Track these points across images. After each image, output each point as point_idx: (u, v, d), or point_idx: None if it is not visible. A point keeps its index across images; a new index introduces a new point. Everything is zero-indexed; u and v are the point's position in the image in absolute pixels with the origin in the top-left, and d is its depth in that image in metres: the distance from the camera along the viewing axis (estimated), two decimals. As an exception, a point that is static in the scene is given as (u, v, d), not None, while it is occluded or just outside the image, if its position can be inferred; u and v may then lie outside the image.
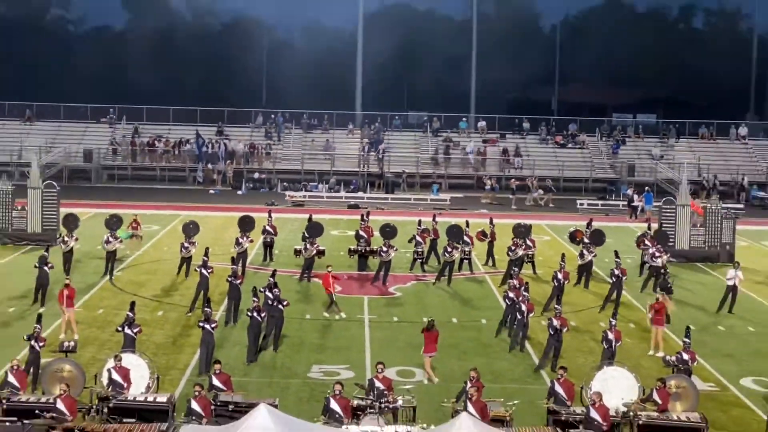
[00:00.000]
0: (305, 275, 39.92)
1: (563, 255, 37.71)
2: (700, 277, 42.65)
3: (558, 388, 23.49)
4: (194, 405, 22.06)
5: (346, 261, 42.65)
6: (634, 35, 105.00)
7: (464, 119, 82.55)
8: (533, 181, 69.35)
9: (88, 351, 28.93)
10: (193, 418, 21.82)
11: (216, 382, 23.60)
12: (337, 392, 22.39)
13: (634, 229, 53.24)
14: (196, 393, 22.37)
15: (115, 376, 23.42)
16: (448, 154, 75.48)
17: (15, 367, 23.71)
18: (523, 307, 30.81)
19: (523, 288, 32.06)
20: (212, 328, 27.70)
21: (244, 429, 17.62)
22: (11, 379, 23.34)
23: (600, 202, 65.98)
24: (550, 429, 22.18)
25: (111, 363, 23.86)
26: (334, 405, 22.11)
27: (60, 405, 21.69)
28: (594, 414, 21.78)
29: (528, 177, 70.78)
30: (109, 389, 23.14)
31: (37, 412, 21.71)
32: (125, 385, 23.38)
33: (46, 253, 35.52)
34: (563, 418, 22.69)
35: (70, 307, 30.76)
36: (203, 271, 34.40)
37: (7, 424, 20.83)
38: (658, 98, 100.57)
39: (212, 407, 22.40)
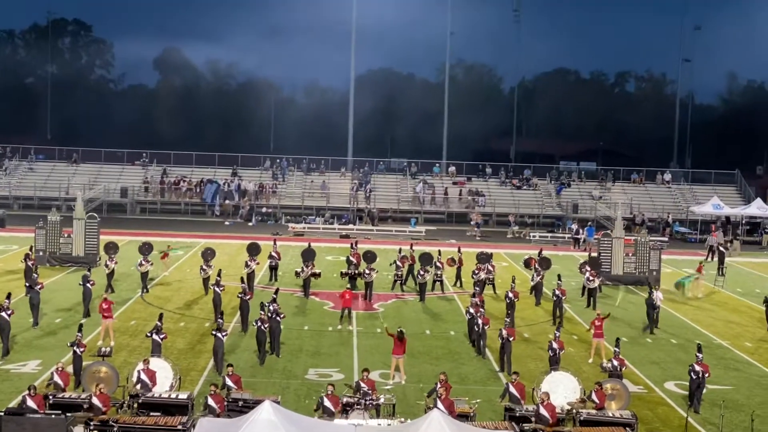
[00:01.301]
0: (306, 293, 40.03)
1: (513, 277, 37.92)
2: (630, 298, 42.64)
3: (512, 389, 23.53)
4: (210, 401, 21.98)
5: (339, 281, 42.61)
6: (578, 97, 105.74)
7: (437, 165, 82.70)
8: (514, 217, 69.32)
9: (121, 355, 28.79)
10: (209, 412, 21.73)
11: (229, 382, 23.56)
12: (330, 392, 22.43)
13: (577, 257, 53.29)
14: (212, 391, 22.31)
15: (143, 377, 23.38)
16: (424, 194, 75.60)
17: (59, 369, 23.63)
18: (480, 321, 30.92)
19: (480, 305, 32.28)
20: (223, 337, 27.68)
21: (252, 422, 17.49)
22: (56, 378, 23.26)
23: (549, 234, 66.05)
24: (507, 423, 22.12)
25: (141, 365, 23.79)
26: (327, 402, 22.11)
27: (95, 400, 21.60)
28: (543, 411, 21.78)
29: (510, 214, 70.78)
30: (138, 387, 23.11)
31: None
32: (151, 384, 23.32)
33: (88, 273, 35.47)
34: (517, 414, 22.67)
35: (108, 318, 30.66)
36: (216, 289, 34.45)
37: (53, 416, 20.69)
38: (598, 149, 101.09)
39: (225, 403, 22.31)
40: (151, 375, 23.48)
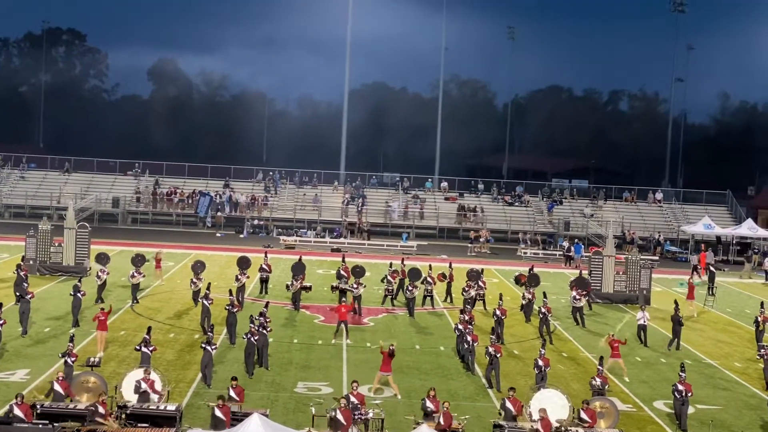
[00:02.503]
0: (296, 306, 40.02)
1: (500, 294, 38.00)
2: (620, 316, 42.76)
3: (508, 405, 23.61)
4: (218, 413, 21.96)
5: (329, 295, 42.64)
6: (571, 114, 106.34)
7: (429, 180, 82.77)
8: (524, 236, 69.28)
9: (110, 366, 28.75)
10: (214, 424, 21.75)
11: (232, 393, 23.50)
12: (342, 405, 22.23)
13: (568, 274, 53.33)
14: (220, 404, 22.26)
15: (143, 386, 23.52)
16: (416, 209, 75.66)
17: (60, 378, 23.58)
18: (469, 338, 30.96)
19: (469, 322, 32.31)
20: (212, 350, 27.66)
21: (240, 435, 17.53)
22: (57, 387, 23.21)
23: (541, 251, 66.09)
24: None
25: (140, 374, 23.89)
26: (339, 416, 21.81)
27: (100, 409, 21.58)
28: (539, 427, 21.77)
29: (522, 231, 70.79)
30: (127, 395, 23.16)
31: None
32: (150, 392, 23.40)
33: (78, 283, 35.38)
34: (506, 431, 22.68)
35: (102, 329, 30.68)
36: (205, 302, 34.41)
37: (41, 426, 20.66)
38: (590, 166, 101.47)
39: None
40: (151, 384, 23.58)
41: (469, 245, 65.96)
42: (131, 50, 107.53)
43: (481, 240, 67.04)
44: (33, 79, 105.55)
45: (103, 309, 31.42)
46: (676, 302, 37.56)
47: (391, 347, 28.04)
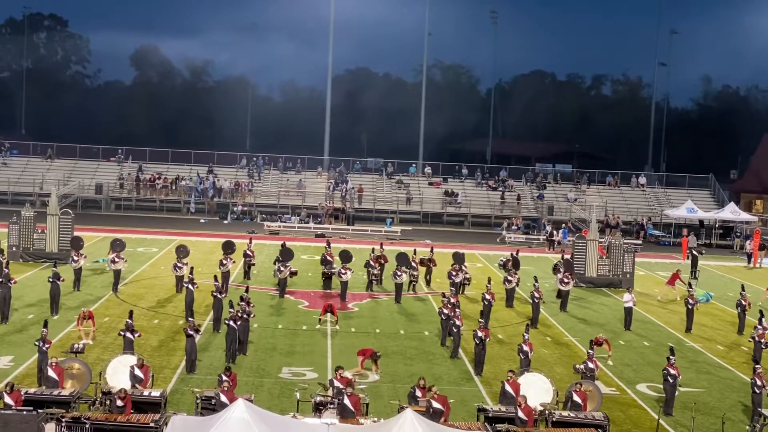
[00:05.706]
0: (281, 292, 39.86)
1: (489, 278, 38.00)
2: (603, 300, 42.89)
3: (507, 387, 23.66)
4: (223, 398, 21.95)
5: (314, 280, 42.61)
6: (554, 99, 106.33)
7: (413, 165, 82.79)
8: (550, 223, 69.49)
9: (94, 352, 28.65)
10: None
11: (226, 379, 23.36)
12: (349, 392, 22.11)
13: (551, 258, 53.44)
14: (225, 387, 22.23)
15: (138, 373, 23.55)
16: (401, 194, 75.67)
17: (54, 363, 23.39)
18: (458, 322, 30.93)
19: (455, 305, 32.27)
20: (197, 335, 27.56)
21: (225, 420, 17.46)
22: (51, 373, 23.08)
23: (525, 236, 66.16)
24: (479, 423, 22.19)
25: (135, 361, 23.88)
26: (347, 401, 21.71)
27: (119, 402, 21.42)
28: (520, 414, 21.80)
29: (542, 218, 70.93)
30: (110, 383, 23.09)
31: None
32: (143, 379, 23.48)
33: (56, 269, 35.09)
34: (490, 415, 22.72)
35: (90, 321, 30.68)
36: (189, 286, 34.29)
37: (24, 412, 20.58)
38: (574, 151, 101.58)
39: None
40: (145, 372, 23.65)
41: (503, 232, 65.88)
42: (113, 36, 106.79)
43: (513, 227, 66.99)
44: (14, 65, 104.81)
45: (91, 313, 31.22)
46: (689, 285, 38.13)
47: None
